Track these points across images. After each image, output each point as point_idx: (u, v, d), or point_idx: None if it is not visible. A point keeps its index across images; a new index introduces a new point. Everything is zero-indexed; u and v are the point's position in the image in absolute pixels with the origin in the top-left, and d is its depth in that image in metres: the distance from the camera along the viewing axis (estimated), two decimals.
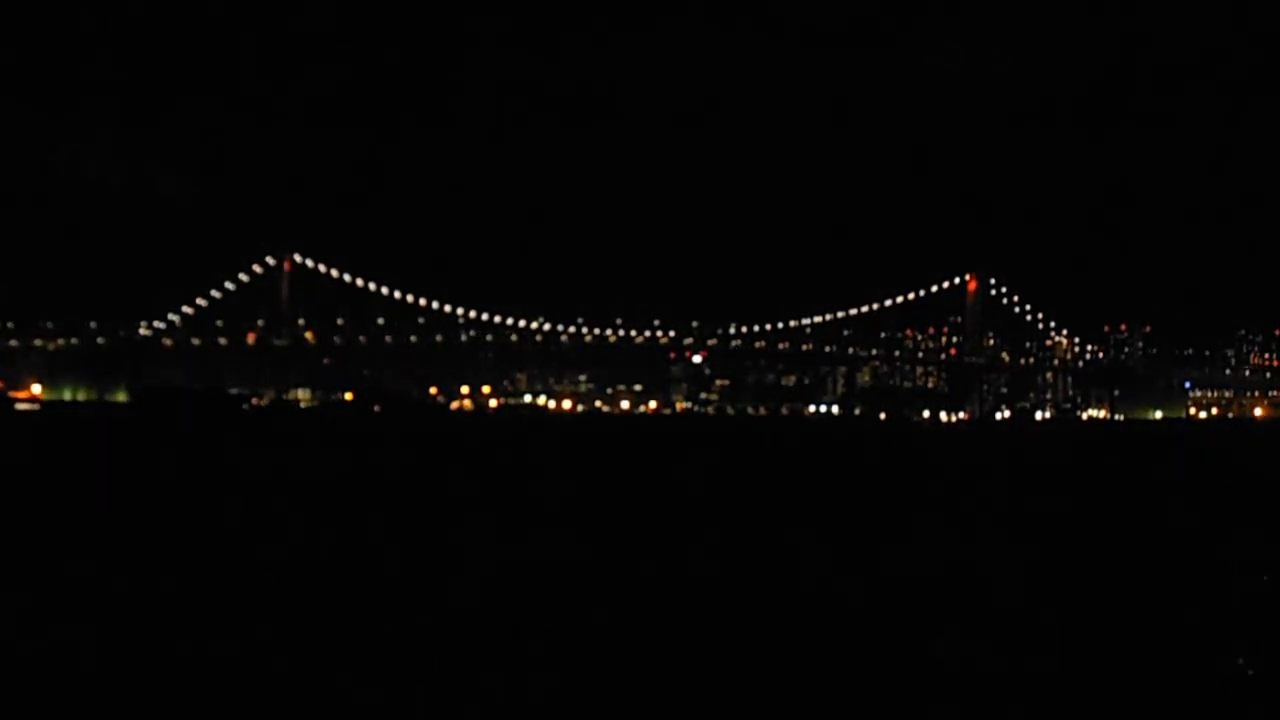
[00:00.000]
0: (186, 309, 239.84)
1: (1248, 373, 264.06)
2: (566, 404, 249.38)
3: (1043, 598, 16.55)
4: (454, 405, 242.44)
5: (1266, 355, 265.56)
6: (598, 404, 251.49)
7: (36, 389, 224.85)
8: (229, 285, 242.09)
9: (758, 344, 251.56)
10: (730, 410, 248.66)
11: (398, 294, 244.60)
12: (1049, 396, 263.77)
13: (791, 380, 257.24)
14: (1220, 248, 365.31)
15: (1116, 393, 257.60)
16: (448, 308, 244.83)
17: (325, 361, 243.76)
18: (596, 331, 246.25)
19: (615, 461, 56.81)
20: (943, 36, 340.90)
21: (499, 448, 69.69)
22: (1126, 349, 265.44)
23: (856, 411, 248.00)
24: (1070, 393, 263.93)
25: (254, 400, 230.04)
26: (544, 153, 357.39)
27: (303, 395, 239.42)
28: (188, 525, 24.34)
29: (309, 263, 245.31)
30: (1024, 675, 12.12)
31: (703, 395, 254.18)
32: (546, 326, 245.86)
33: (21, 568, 18.19)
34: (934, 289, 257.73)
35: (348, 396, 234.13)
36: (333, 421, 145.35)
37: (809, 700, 11.25)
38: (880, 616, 15.06)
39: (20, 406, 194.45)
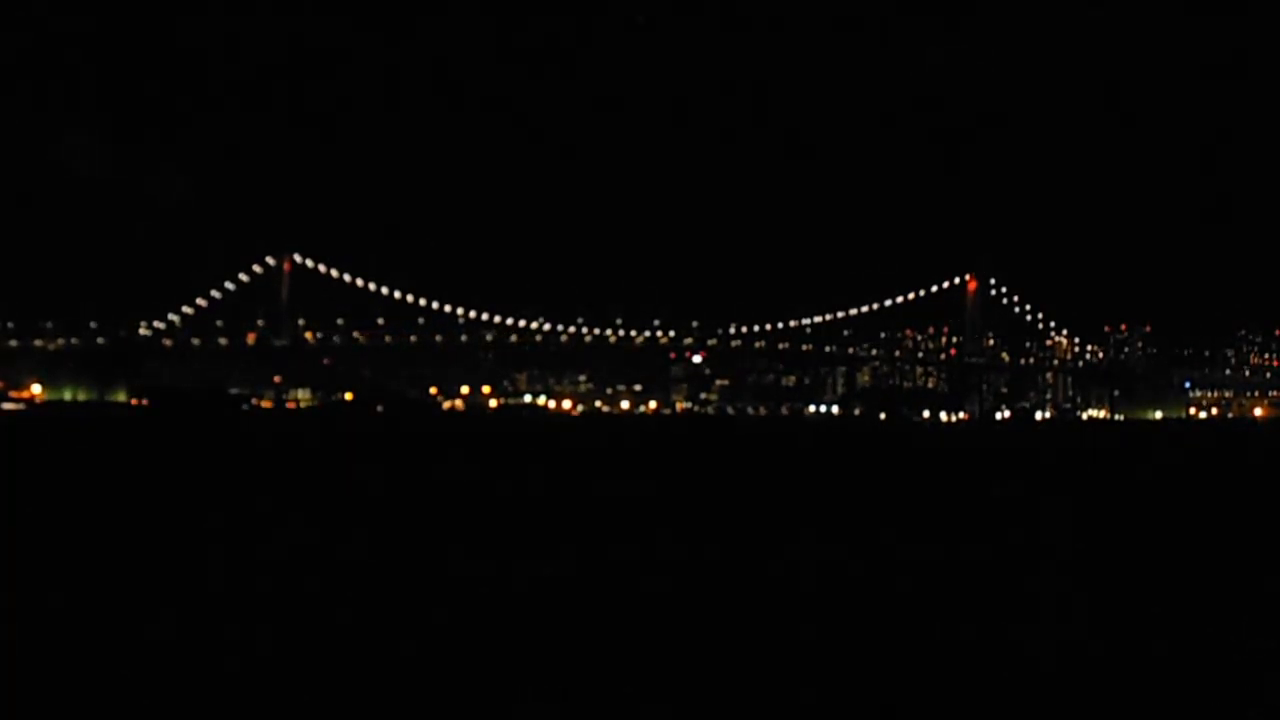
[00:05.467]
0: (186, 309, 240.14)
1: (1248, 373, 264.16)
2: (566, 404, 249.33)
3: (1042, 598, 16.52)
4: (446, 405, 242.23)
5: (1266, 355, 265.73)
6: (598, 404, 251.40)
7: (37, 389, 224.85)
8: (229, 285, 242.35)
9: (758, 344, 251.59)
10: (730, 410, 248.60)
11: (398, 294, 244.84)
12: (1049, 396, 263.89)
13: (791, 380, 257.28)
14: (1220, 248, 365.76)
15: (1116, 393, 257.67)
16: (448, 308, 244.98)
17: (325, 361, 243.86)
18: (596, 331, 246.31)
19: (613, 462, 56.77)
20: (942, 36, 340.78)
21: (491, 447, 69.68)
22: (1126, 349, 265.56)
23: (856, 411, 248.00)
24: (1070, 393, 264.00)
25: (254, 400, 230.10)
26: (544, 153, 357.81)
27: (303, 395, 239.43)
28: (183, 526, 24.30)
29: (309, 263, 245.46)
30: (1024, 676, 12.09)
31: (703, 395, 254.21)
32: (546, 326, 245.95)
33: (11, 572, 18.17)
34: (934, 289, 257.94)
35: (348, 396, 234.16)
36: (333, 421, 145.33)
37: (811, 699, 11.22)
38: (881, 616, 15.03)
39: (7, 406, 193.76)
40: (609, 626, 14.25)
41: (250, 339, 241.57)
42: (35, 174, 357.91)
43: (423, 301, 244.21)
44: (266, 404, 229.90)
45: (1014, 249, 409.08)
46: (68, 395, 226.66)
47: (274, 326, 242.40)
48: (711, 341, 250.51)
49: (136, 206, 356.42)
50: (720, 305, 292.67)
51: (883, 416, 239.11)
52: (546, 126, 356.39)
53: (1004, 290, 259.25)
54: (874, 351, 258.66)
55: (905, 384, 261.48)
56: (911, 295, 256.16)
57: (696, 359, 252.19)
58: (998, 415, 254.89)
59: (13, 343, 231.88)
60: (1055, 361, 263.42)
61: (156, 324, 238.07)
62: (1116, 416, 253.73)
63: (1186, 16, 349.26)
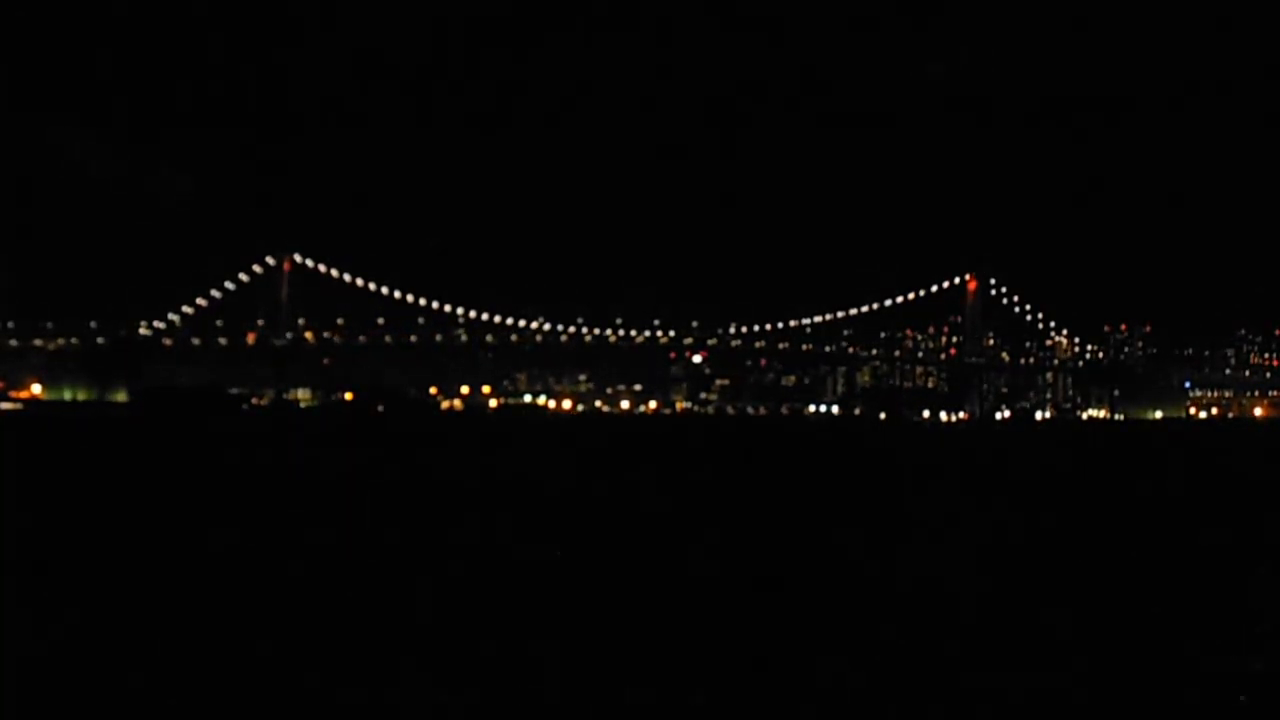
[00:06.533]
0: (186, 309, 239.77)
1: (1248, 373, 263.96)
2: (566, 404, 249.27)
3: (1042, 599, 16.54)
4: (445, 405, 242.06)
5: (1266, 355, 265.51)
6: (598, 404, 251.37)
7: (37, 389, 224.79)
8: (229, 285, 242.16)
9: (758, 344, 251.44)
10: (730, 410, 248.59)
11: (398, 294, 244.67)
12: (1049, 396, 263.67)
13: (791, 380, 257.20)
14: (1220, 248, 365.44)
15: (1116, 393, 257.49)
16: (448, 308, 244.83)
17: (325, 361, 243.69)
18: (596, 331, 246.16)
19: (612, 461, 56.78)
20: (944, 36, 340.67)
21: (488, 447, 69.69)
22: (1126, 349, 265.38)
23: (856, 411, 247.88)
24: (1070, 393, 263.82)
25: (254, 400, 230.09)
26: (544, 152, 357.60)
27: (303, 395, 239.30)
28: (184, 526, 24.33)
29: (309, 263, 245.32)
30: (1023, 677, 12.11)
31: (703, 395, 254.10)
32: (546, 326, 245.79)
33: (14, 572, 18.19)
34: (934, 289, 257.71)
35: (348, 396, 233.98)
36: (333, 421, 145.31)
37: (811, 700, 11.24)
38: (881, 617, 15.05)
39: (7, 406, 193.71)
40: (608, 624, 14.28)
41: (250, 339, 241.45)
42: (35, 174, 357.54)
43: (423, 301, 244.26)
44: (263, 402, 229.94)
45: (1014, 249, 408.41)
46: (68, 395, 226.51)
47: (274, 326, 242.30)
48: (711, 341, 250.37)
49: (137, 206, 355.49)
50: (720, 305, 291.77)
51: (883, 416, 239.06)
52: (547, 126, 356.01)
53: (1004, 290, 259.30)
54: (874, 351, 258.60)
55: (905, 384, 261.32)
56: (911, 295, 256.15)
57: (696, 359, 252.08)
58: (998, 415, 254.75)
59: (13, 343, 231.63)
60: (1055, 361, 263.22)
61: (156, 324, 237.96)
62: (1116, 416, 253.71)
63: (1185, 19, 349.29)
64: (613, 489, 37.06)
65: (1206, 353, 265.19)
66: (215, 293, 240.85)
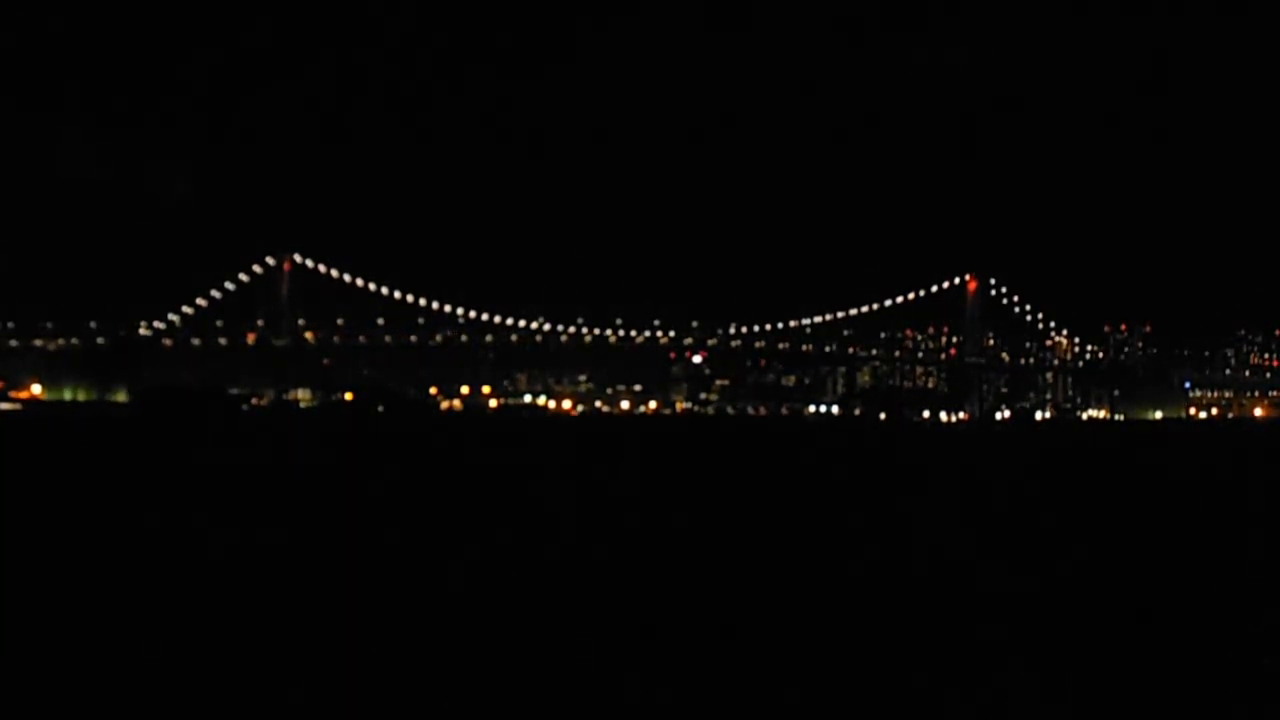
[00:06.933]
0: (186, 309, 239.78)
1: (1248, 373, 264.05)
2: (566, 404, 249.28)
3: (1042, 599, 16.53)
4: (445, 405, 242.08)
5: (1266, 355, 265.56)
6: (598, 404, 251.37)
7: (36, 389, 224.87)
8: (229, 285, 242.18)
9: (758, 344, 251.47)
10: (730, 410, 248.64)
11: (398, 294, 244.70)
12: (1049, 396, 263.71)
13: (791, 380, 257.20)
14: (1220, 248, 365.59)
15: (1116, 393, 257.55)
16: (448, 308, 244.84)
17: (325, 362, 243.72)
18: (596, 331, 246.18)
19: (612, 462, 56.76)
20: (943, 36, 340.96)
21: (490, 447, 69.69)
22: (1126, 349, 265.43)
23: (856, 411, 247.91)
24: (1070, 393, 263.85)
25: (254, 400, 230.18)
26: (544, 153, 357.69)
27: (303, 395, 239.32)
28: (182, 526, 24.33)
29: (309, 263, 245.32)
30: (1023, 676, 12.11)
31: (703, 395, 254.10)
32: (546, 326, 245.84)
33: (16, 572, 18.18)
34: (934, 289, 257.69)
35: (348, 396, 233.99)
36: (333, 421, 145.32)
37: (809, 700, 11.23)
38: (879, 616, 15.04)
39: (6, 406, 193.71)
40: (609, 624, 14.28)
41: (250, 339, 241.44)
42: (35, 174, 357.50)
43: (423, 301, 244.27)
44: (263, 402, 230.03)
45: (1014, 249, 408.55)
46: (68, 395, 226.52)
47: (274, 326, 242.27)
48: (711, 341, 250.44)
49: (136, 206, 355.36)
50: (720, 305, 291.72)
51: (883, 416, 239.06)
52: (546, 126, 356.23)
53: (1004, 290, 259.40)
54: (874, 351, 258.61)
55: (905, 384, 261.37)
56: (911, 295, 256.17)
57: (696, 359, 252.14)
58: (998, 415, 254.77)
59: (13, 343, 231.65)
60: (1055, 361, 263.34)
61: (156, 324, 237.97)
62: (1116, 416, 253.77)
63: (1184, 19, 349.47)
64: (609, 490, 37.07)
65: (1206, 353, 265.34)
66: (215, 293, 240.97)
